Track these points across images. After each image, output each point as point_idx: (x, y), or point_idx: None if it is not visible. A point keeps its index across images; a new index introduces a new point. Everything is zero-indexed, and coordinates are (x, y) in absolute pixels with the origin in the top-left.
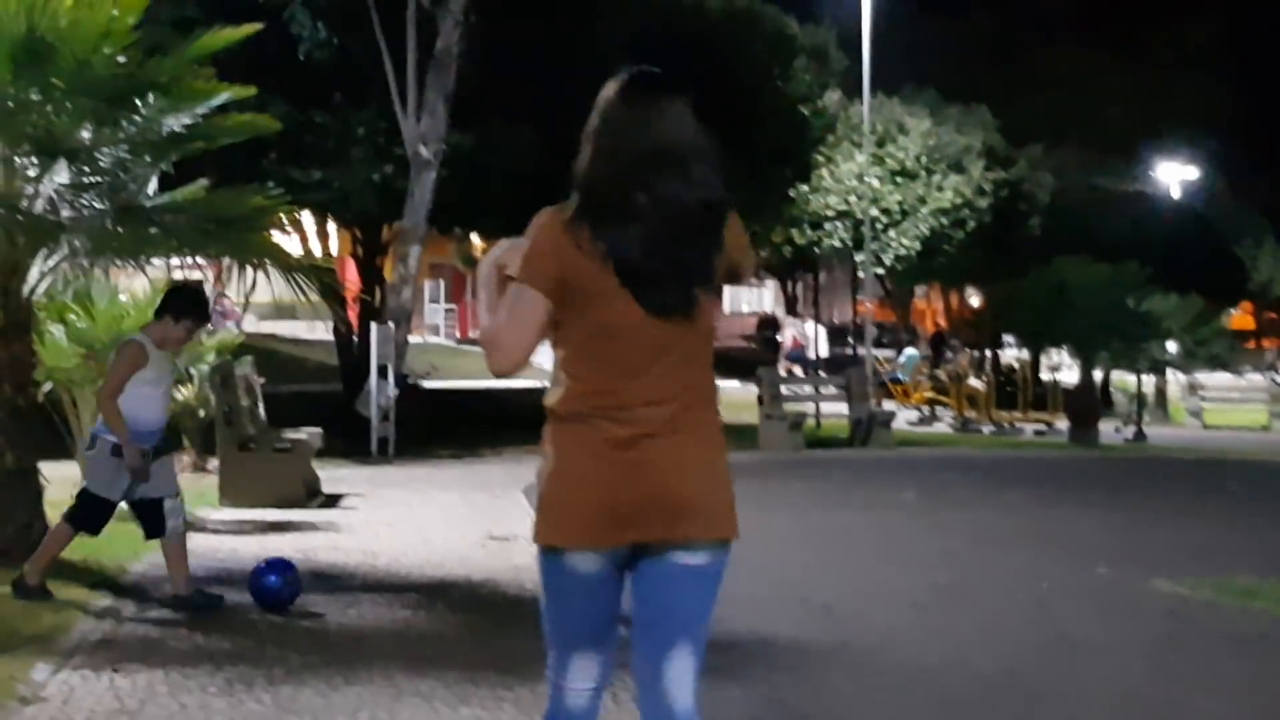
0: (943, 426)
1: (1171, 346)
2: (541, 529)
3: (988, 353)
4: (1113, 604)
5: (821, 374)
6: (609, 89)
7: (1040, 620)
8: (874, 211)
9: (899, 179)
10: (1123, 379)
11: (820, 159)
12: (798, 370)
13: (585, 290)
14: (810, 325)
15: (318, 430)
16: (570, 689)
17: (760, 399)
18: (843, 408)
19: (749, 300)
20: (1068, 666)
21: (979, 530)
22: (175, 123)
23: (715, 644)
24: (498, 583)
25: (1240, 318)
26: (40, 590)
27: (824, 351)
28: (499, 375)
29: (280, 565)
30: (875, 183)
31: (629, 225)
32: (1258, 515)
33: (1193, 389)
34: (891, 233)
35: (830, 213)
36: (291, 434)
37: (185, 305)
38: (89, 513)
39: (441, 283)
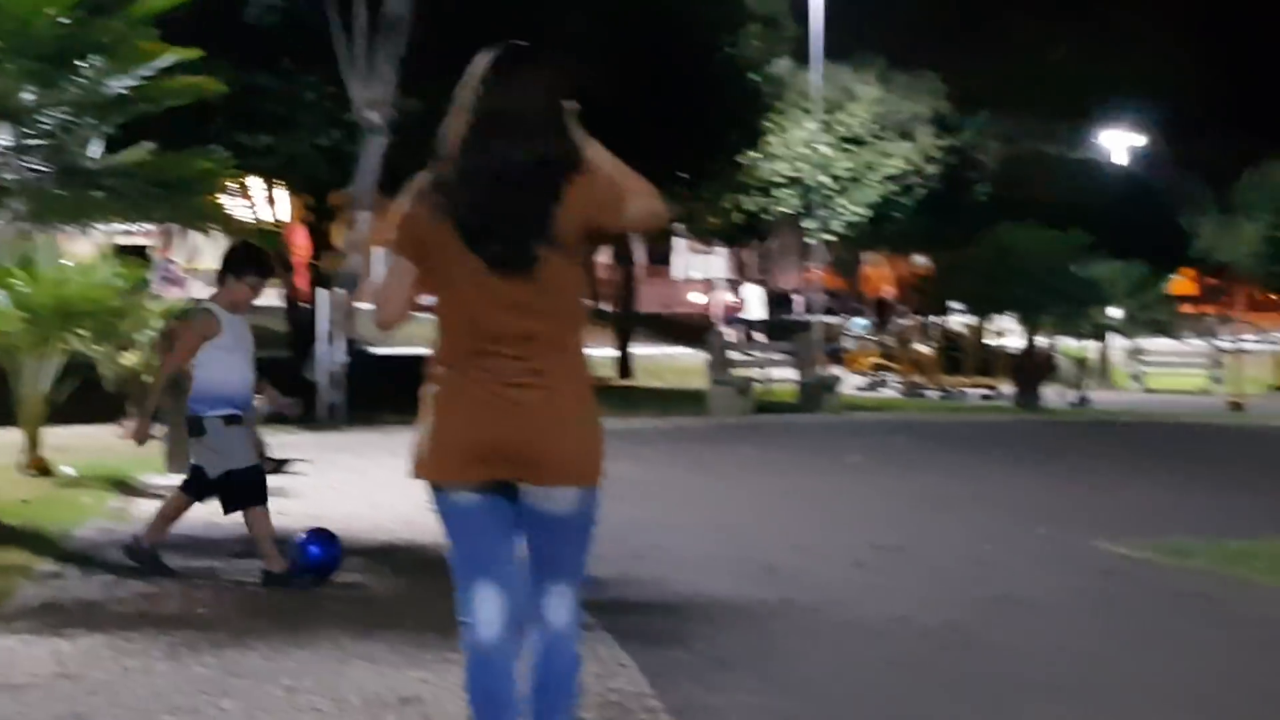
0: (890, 392)
1: (1115, 312)
2: (414, 466)
3: (934, 319)
4: (1053, 563)
5: (758, 336)
6: (478, 62)
7: (982, 578)
8: (823, 178)
9: (848, 146)
10: (1066, 344)
11: (770, 126)
12: (732, 333)
13: (441, 251)
14: (748, 288)
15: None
16: (477, 622)
17: (709, 363)
18: (792, 373)
19: (699, 267)
20: (1008, 622)
21: (923, 492)
22: (119, 85)
23: (660, 605)
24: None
25: (1183, 283)
26: (286, 575)
27: (760, 313)
28: (383, 331)
29: (323, 536)
30: (824, 149)
31: (467, 185)
32: (1195, 477)
33: (1135, 354)
34: (840, 199)
35: (780, 179)
36: None
37: (242, 261)
38: (247, 490)
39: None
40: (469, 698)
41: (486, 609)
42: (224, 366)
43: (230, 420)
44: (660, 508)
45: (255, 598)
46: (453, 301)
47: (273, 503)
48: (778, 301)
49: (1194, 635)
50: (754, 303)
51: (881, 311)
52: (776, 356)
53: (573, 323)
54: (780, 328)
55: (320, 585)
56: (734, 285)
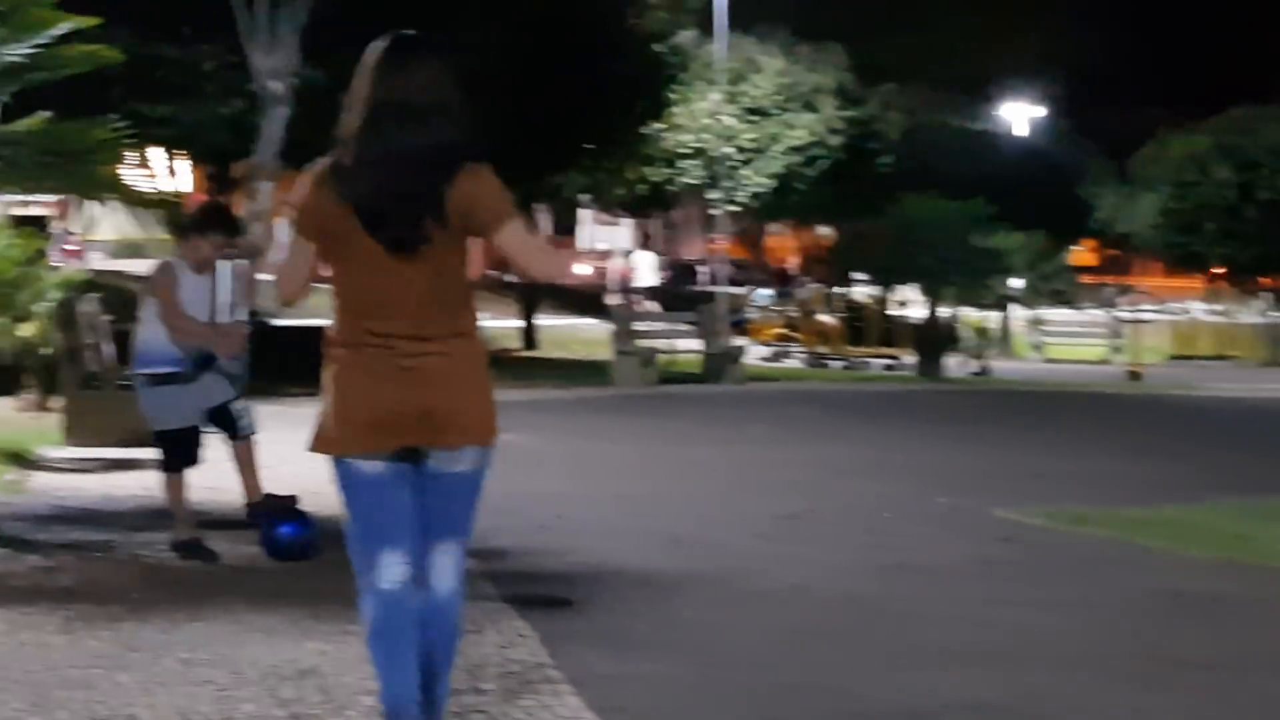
0: (794, 362)
1: (1016, 282)
2: (317, 441)
3: (838, 289)
4: (952, 530)
5: (650, 303)
6: (370, 52)
7: (882, 546)
8: (728, 149)
9: (752, 117)
10: (969, 314)
11: (675, 97)
12: (623, 300)
13: (339, 233)
14: (640, 255)
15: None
16: (381, 586)
17: (613, 334)
18: (696, 344)
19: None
20: (905, 590)
21: (825, 461)
22: (14, 53)
23: (562, 575)
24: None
25: (1083, 254)
26: (195, 544)
27: (652, 280)
28: (285, 306)
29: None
30: (729, 121)
31: (363, 171)
32: (1093, 446)
33: (1036, 324)
34: (745, 170)
35: (685, 150)
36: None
37: (207, 220)
38: (171, 449)
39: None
40: (375, 660)
41: (393, 572)
42: (156, 327)
43: (159, 379)
44: (563, 479)
45: (153, 570)
46: (351, 281)
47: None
48: (683, 272)
49: (1089, 600)
50: (645, 270)
51: (783, 282)
52: (681, 327)
53: (464, 298)
54: (684, 298)
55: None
56: (627, 253)
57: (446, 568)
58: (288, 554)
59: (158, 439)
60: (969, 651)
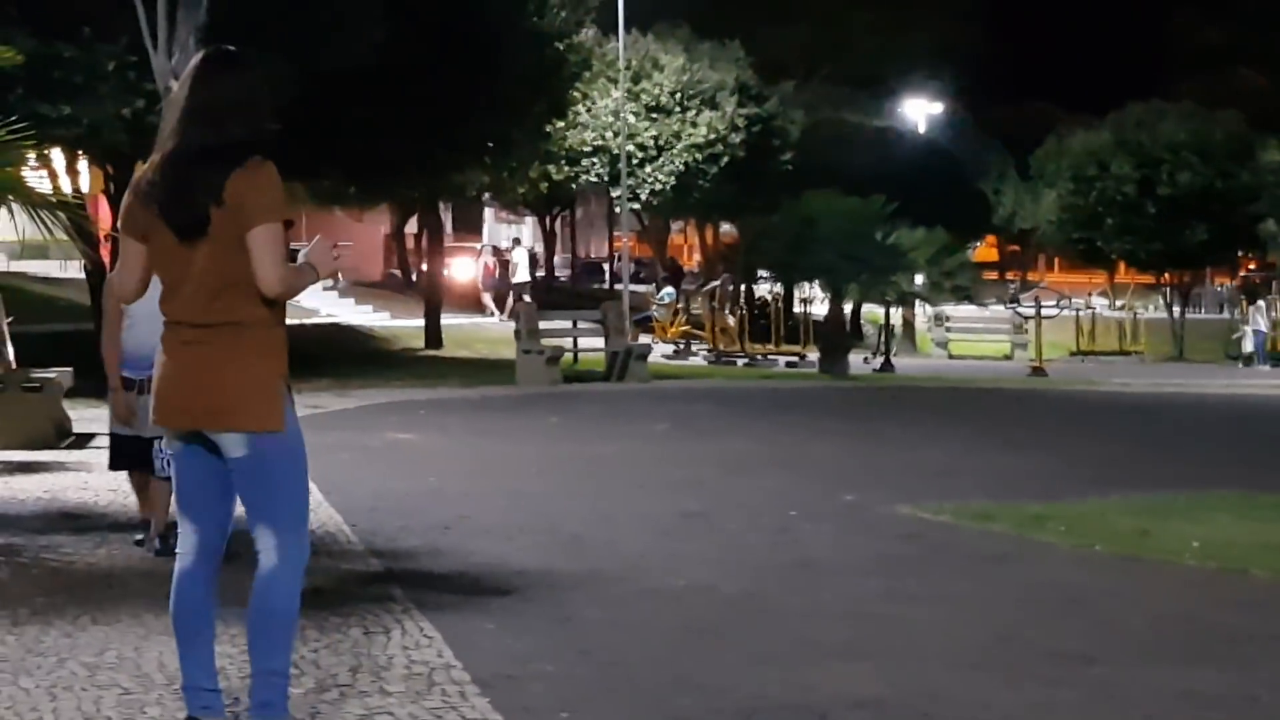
0: (698, 360)
1: (919, 279)
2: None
3: (741, 286)
4: (855, 528)
5: (526, 299)
6: (191, 63)
7: (783, 544)
8: (630, 147)
9: (654, 115)
10: (872, 311)
11: (577, 95)
12: (488, 299)
13: (151, 230)
14: (518, 252)
15: (69, 370)
16: (178, 551)
17: (517, 334)
18: (601, 342)
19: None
20: (806, 587)
21: (729, 459)
22: None
23: (466, 576)
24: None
25: (985, 250)
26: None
27: (526, 277)
28: (125, 304)
29: None
30: (631, 119)
31: (163, 167)
32: (997, 441)
33: (939, 320)
34: (647, 168)
35: (587, 148)
36: (40, 373)
37: None
38: (119, 452)
39: None
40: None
41: (184, 542)
42: (131, 332)
43: (133, 384)
44: (466, 479)
45: (56, 574)
46: (161, 270)
47: (76, 477)
48: (588, 270)
49: (987, 596)
50: (522, 267)
51: (678, 280)
52: (584, 325)
53: (245, 288)
54: (587, 297)
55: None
56: (497, 251)
57: (263, 549)
58: None
59: (112, 440)
60: (862, 648)
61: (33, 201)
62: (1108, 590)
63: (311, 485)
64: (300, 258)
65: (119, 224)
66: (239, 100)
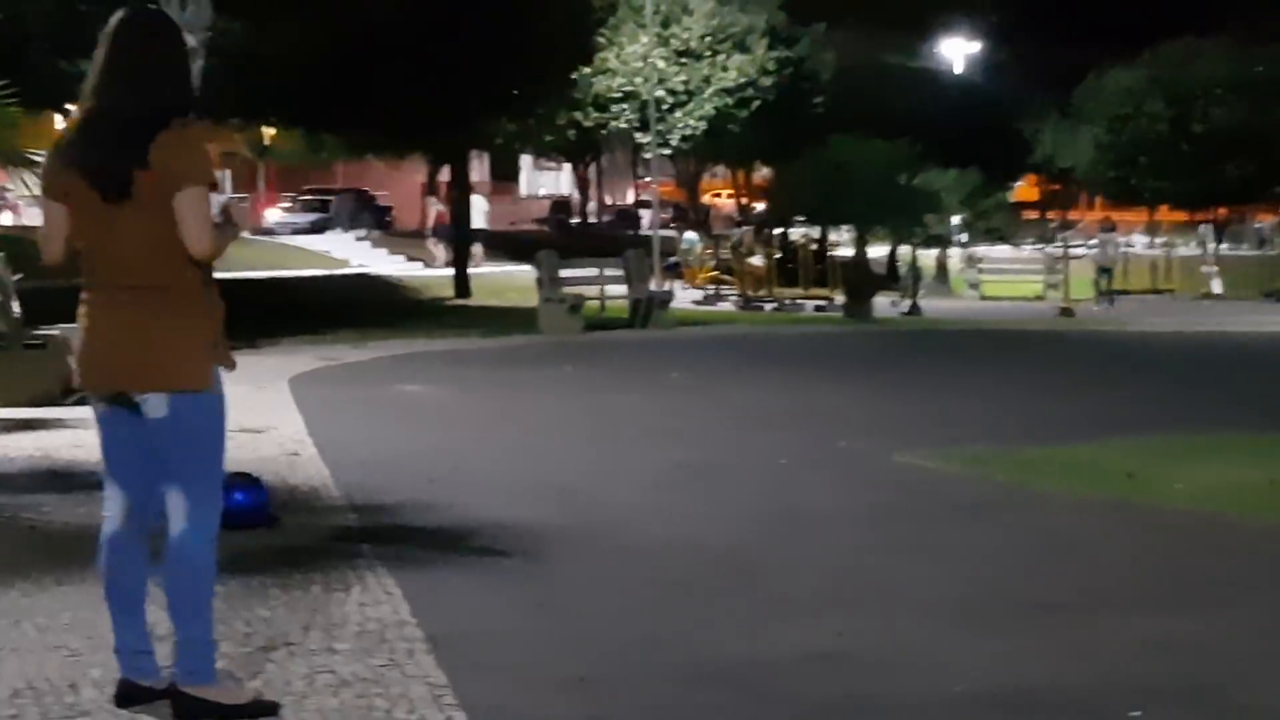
0: (727, 305)
1: (954, 220)
2: (72, 377)
3: (773, 230)
4: (849, 477)
5: (475, 248)
6: (110, 23)
7: (774, 495)
8: (659, 93)
9: (683, 60)
10: (908, 253)
11: (604, 41)
12: (438, 245)
13: (74, 191)
14: (476, 200)
15: (75, 326)
16: (103, 515)
17: (539, 281)
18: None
19: (545, 184)
20: (791, 539)
21: (739, 408)
22: None
23: (443, 530)
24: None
25: (1026, 189)
26: None
27: (483, 224)
28: (51, 266)
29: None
30: (660, 64)
31: (85, 128)
32: (1013, 384)
33: (971, 261)
34: (677, 113)
35: (616, 95)
36: (46, 330)
37: None
38: None
39: (229, 172)
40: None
41: (110, 505)
42: None
43: None
44: (468, 430)
45: (29, 533)
46: (82, 232)
47: (73, 435)
48: (622, 216)
49: (969, 545)
50: (479, 214)
51: (708, 223)
52: (609, 273)
53: (172, 251)
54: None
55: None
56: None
57: (175, 512)
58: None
59: None
60: (834, 601)
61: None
62: (1090, 537)
63: (305, 438)
64: (217, 216)
65: (41, 185)
66: (160, 61)
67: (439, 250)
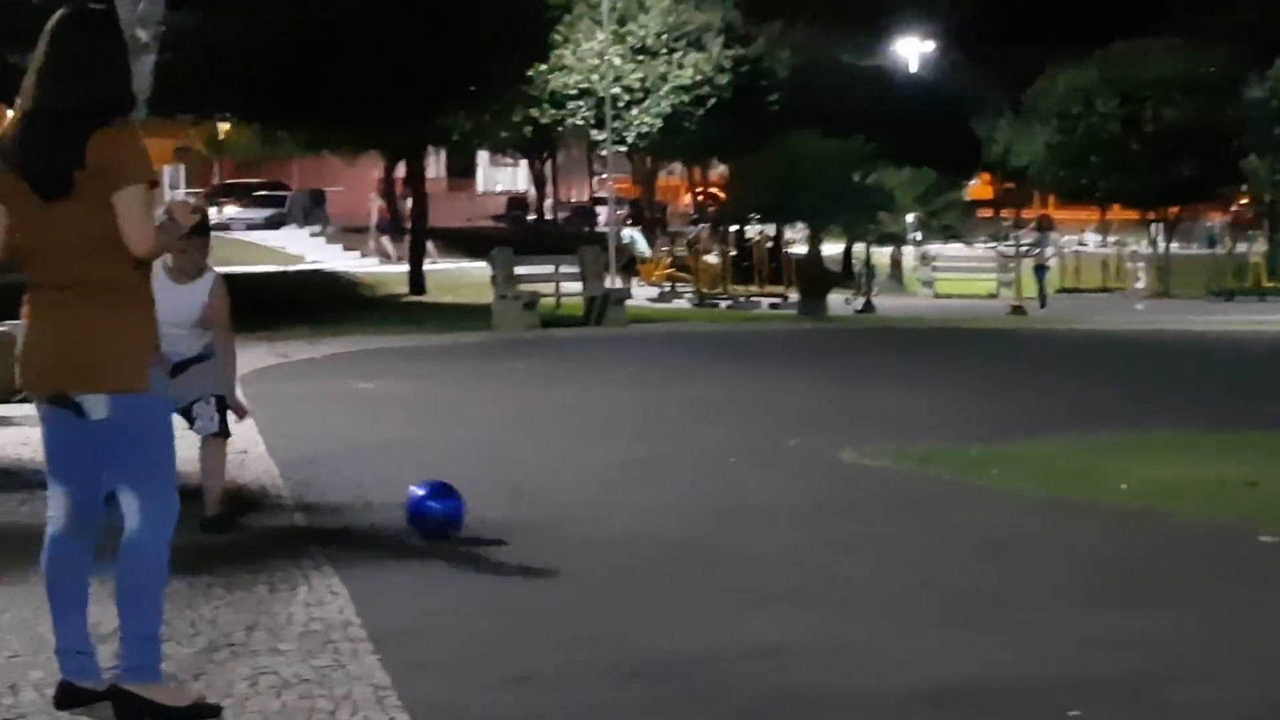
0: (682, 302)
1: (908, 218)
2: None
3: (729, 227)
4: (799, 473)
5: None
6: (50, 22)
7: (724, 491)
8: (616, 90)
9: (640, 57)
10: (858, 250)
11: (560, 38)
12: (386, 241)
13: (9, 187)
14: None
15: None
16: (48, 515)
17: (494, 278)
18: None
19: (502, 180)
20: (740, 534)
21: (692, 404)
22: None
23: (392, 529)
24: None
25: (981, 188)
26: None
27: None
28: None
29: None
30: (616, 61)
31: (22, 127)
32: (959, 382)
33: (925, 259)
34: (634, 110)
35: (573, 91)
36: (4, 325)
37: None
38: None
39: (183, 168)
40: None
41: (54, 505)
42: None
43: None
44: (420, 428)
45: None
46: (22, 231)
47: (19, 433)
48: (579, 213)
49: (913, 541)
50: (406, 210)
51: (659, 222)
52: (564, 270)
53: (111, 250)
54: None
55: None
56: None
57: (129, 510)
58: (434, 531)
59: None
60: (779, 596)
61: None
62: (1036, 534)
63: (255, 436)
64: (160, 216)
65: None
66: (99, 59)
67: (385, 245)
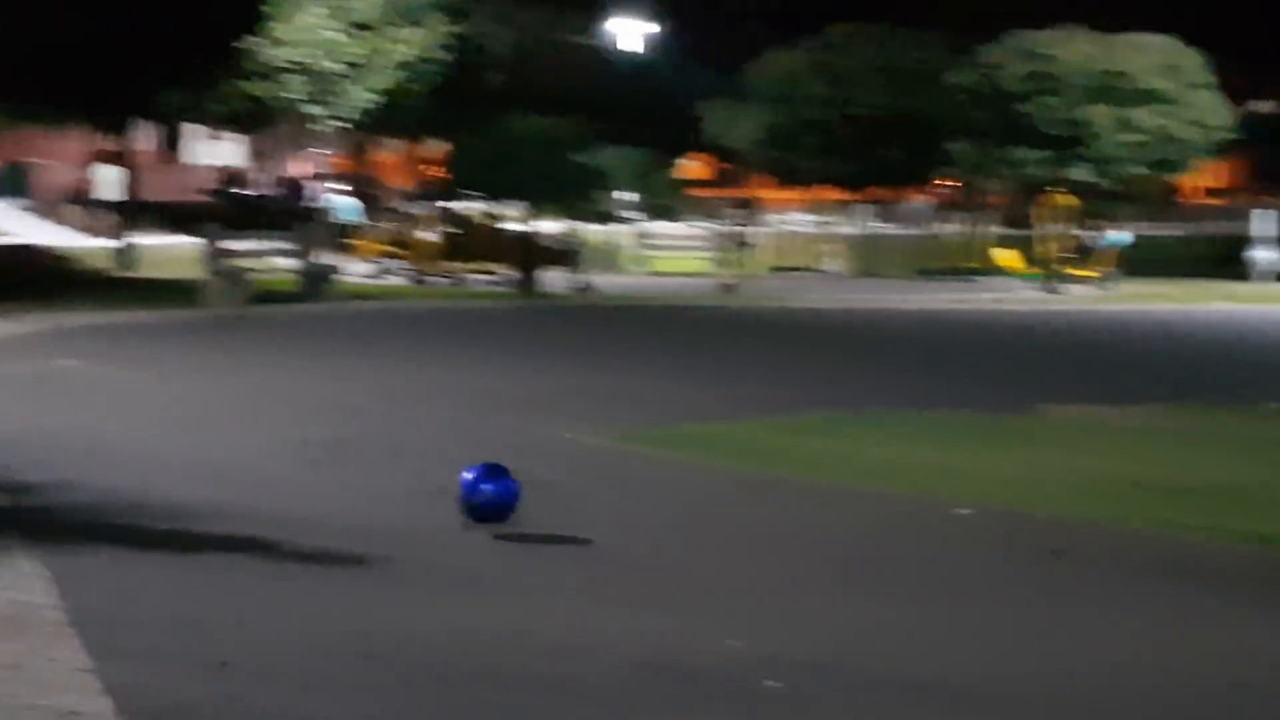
0: (397, 279)
1: (624, 197)
2: None
3: (446, 204)
4: (510, 454)
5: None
6: None
7: (433, 471)
8: (332, 64)
9: (358, 31)
10: (574, 228)
11: (270, 10)
12: (85, 214)
13: None
14: (101, 168)
15: None
16: None
17: (205, 254)
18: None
19: (215, 155)
20: (447, 517)
21: (403, 383)
22: None
23: (94, 509)
24: None
25: (698, 168)
26: None
27: (113, 194)
28: None
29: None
30: (332, 35)
31: None
32: (675, 361)
33: (642, 238)
34: (349, 86)
35: (288, 66)
36: None
37: None
38: None
39: None
40: None
41: None
42: None
43: None
44: (124, 406)
45: None
46: None
47: None
48: (290, 189)
49: (623, 521)
50: (106, 183)
51: (373, 197)
52: (277, 245)
53: None
54: (290, 214)
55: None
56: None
57: None
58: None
59: None
60: (488, 578)
61: None
62: (740, 512)
63: None
64: None
65: None
66: None
67: (85, 219)
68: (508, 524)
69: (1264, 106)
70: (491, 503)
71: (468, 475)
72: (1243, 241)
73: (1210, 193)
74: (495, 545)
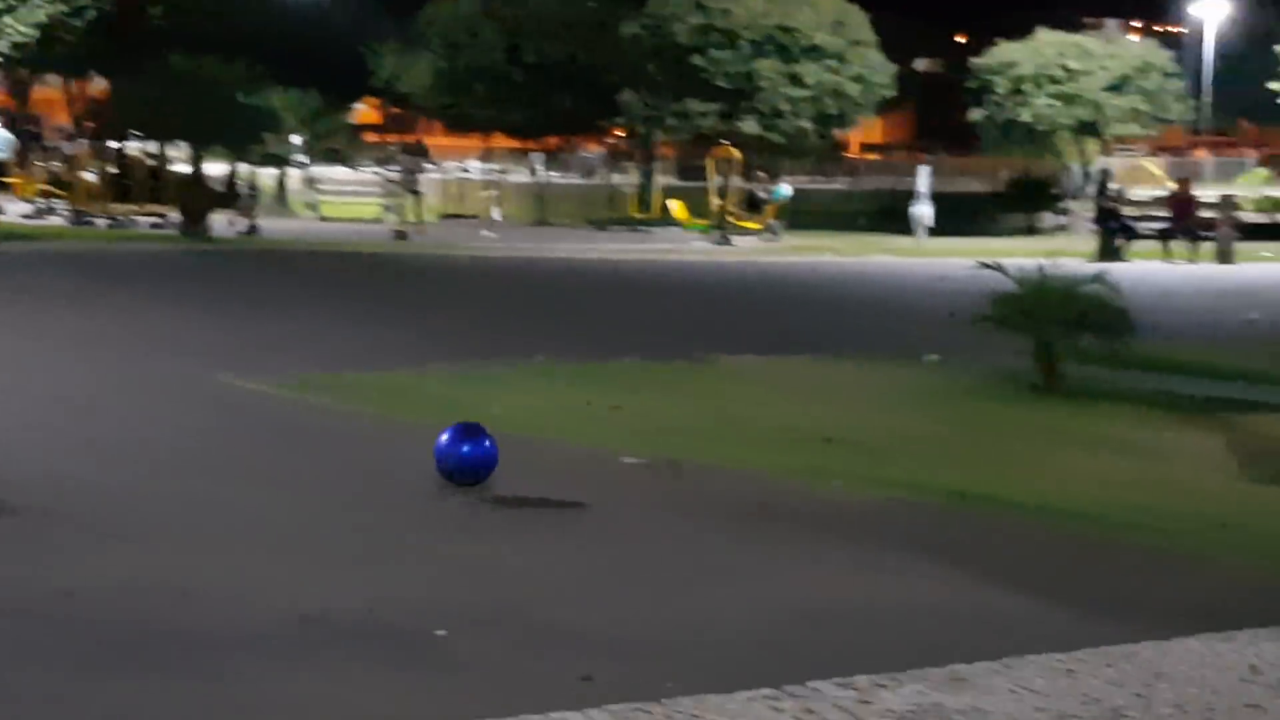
0: (59, 220)
1: (294, 140)
2: None
3: (109, 144)
4: (177, 401)
5: None
6: None
7: (95, 422)
8: None
9: None
10: (244, 171)
11: None
12: None
13: None
14: None
15: None
16: None
17: None
18: None
19: None
20: (115, 468)
21: (63, 330)
22: None
23: None
24: None
25: (368, 113)
26: None
27: None
28: None
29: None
30: None
31: None
32: (343, 308)
33: (311, 182)
34: (7, 18)
35: None
36: None
37: None
38: None
39: None
40: None
41: None
42: None
43: None
44: None
45: None
46: None
47: None
48: None
49: (291, 471)
50: None
51: (34, 135)
52: None
53: None
54: None
55: None
56: None
57: None
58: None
59: None
60: (161, 530)
61: None
62: (404, 460)
63: None
64: None
65: None
66: None
67: None
68: (173, 474)
69: (926, 65)
70: (468, 464)
71: (443, 438)
72: (906, 196)
73: (873, 148)
74: (163, 494)
